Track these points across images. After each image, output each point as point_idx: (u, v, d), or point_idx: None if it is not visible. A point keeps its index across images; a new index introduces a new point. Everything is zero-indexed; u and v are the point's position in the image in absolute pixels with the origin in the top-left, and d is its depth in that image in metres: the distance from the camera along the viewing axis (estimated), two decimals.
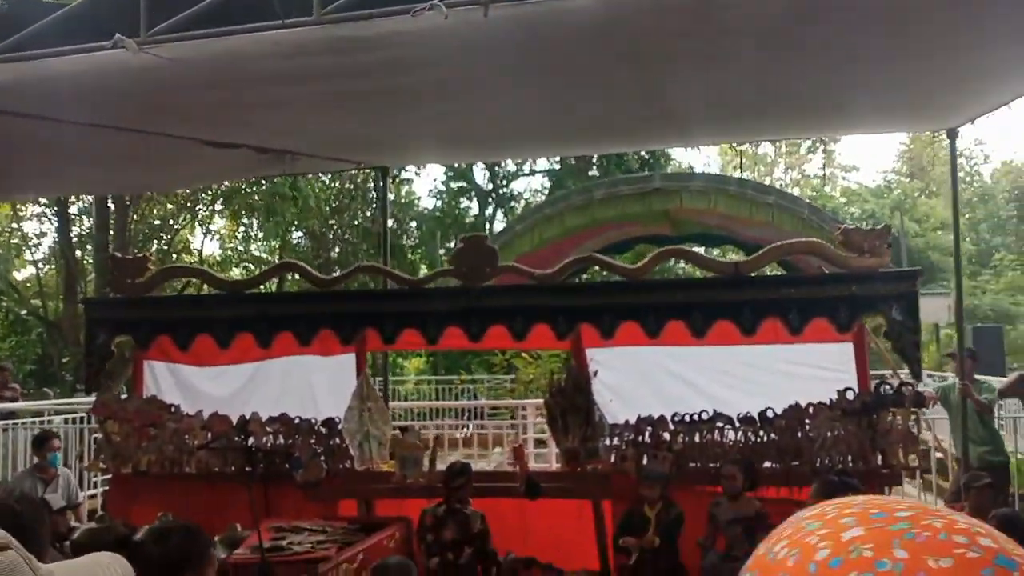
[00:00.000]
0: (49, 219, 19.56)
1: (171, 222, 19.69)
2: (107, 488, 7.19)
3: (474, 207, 23.83)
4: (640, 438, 6.01)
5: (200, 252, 20.80)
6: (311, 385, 7.04)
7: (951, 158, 6.51)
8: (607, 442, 6.11)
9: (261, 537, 4.39)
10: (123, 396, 6.91)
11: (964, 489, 5.91)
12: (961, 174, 34.69)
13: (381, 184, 8.34)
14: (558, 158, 23.11)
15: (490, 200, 23.19)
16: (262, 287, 7.70)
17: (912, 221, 28.29)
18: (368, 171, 19.88)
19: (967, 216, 30.19)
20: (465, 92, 4.89)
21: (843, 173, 38.57)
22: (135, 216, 17.94)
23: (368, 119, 5.27)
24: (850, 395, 5.76)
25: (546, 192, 22.52)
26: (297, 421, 6.39)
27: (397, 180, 20.76)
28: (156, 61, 3.66)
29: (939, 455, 8.25)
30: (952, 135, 6.39)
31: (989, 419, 6.83)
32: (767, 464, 5.79)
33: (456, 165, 22.00)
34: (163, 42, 3.57)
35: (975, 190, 32.33)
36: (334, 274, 6.88)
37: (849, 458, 5.65)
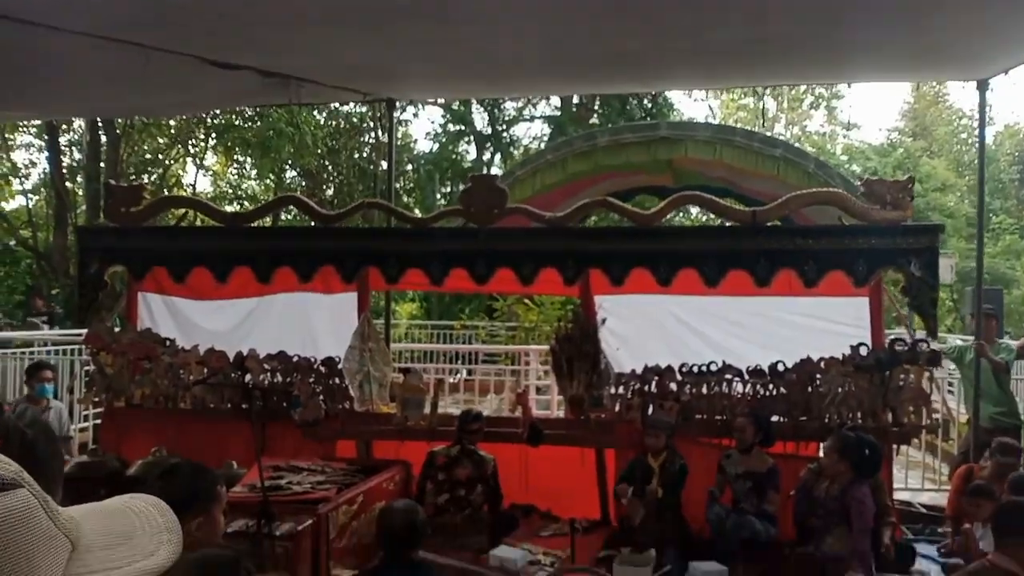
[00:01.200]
0: (39, 149, 19.11)
1: (163, 156, 19.28)
2: (99, 422, 7.06)
3: (472, 151, 23.43)
4: (646, 387, 5.90)
5: (193, 188, 20.42)
6: (311, 323, 6.89)
7: (980, 111, 6.28)
8: (612, 391, 5.99)
9: (262, 474, 4.26)
10: (116, 329, 6.73)
11: (989, 454, 5.83)
12: (964, 135, 34.38)
13: (386, 118, 8.00)
14: (558, 104, 22.70)
15: (489, 144, 22.77)
16: (260, 222, 7.45)
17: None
18: (365, 110, 19.52)
19: (970, 178, 29.95)
20: (475, 13, 4.61)
21: (844, 131, 38.14)
22: (127, 148, 17.53)
23: (375, 43, 4.99)
24: (863, 350, 5.64)
25: (546, 139, 22.12)
26: (296, 359, 6.24)
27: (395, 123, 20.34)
28: None
29: (943, 417, 8.20)
30: (982, 86, 6.15)
31: (1005, 380, 6.74)
32: (775, 418, 5.69)
33: (456, 106, 21.60)
34: None
35: (976, 153, 32.08)
36: (335, 211, 6.62)
37: (859, 415, 5.56)
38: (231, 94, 6.48)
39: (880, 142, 35.35)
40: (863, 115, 48.09)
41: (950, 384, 9.06)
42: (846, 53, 5.74)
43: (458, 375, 11.89)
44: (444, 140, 23.08)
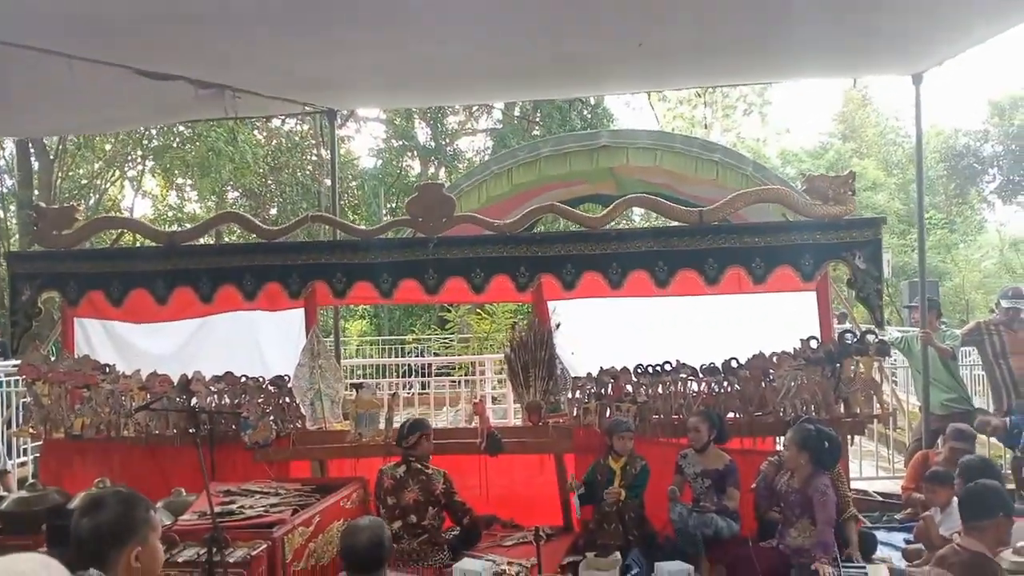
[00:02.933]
0: None
1: (98, 180, 18.72)
2: (38, 455, 6.76)
3: (416, 166, 23.31)
4: (603, 391, 5.87)
5: (131, 212, 19.86)
6: (258, 342, 6.71)
7: (916, 105, 6.43)
8: (569, 395, 5.95)
9: (211, 500, 4.09)
10: (52, 357, 6.46)
11: (943, 440, 5.95)
12: (892, 135, 35.51)
13: (328, 130, 7.87)
14: (500, 117, 22.77)
15: (433, 158, 22.69)
16: (201, 240, 7.25)
17: None
18: (307, 127, 19.28)
19: (899, 176, 30.91)
20: (418, 18, 4.55)
21: (777, 135, 39.03)
22: (60, 173, 16.97)
23: (313, 48, 4.87)
24: (813, 344, 5.71)
25: (489, 151, 22.13)
26: (244, 380, 6.06)
27: (337, 139, 20.13)
28: None
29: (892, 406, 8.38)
30: (917, 79, 6.32)
31: (953, 366, 6.90)
32: (730, 414, 5.72)
33: (398, 121, 21.49)
34: None
35: (905, 152, 33.10)
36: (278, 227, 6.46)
37: (812, 407, 5.60)
38: (164, 108, 6.27)
39: (812, 146, 36.31)
40: (795, 120, 49.34)
41: (894, 374, 9.28)
42: (784, 51, 5.85)
43: (411, 389, 11.75)
44: (388, 155, 22.93)
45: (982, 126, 27.35)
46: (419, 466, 5.36)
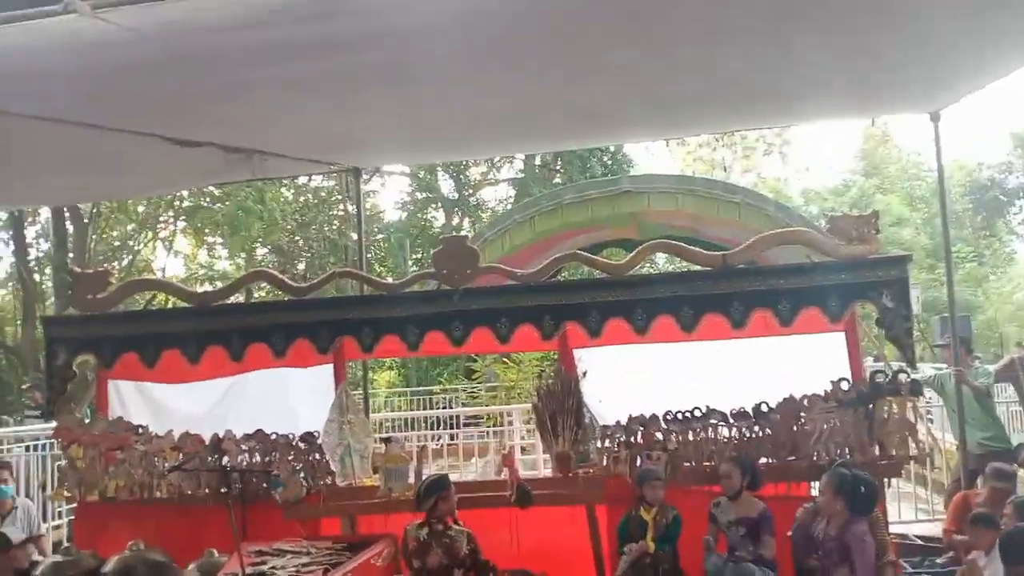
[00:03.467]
0: (4, 242, 18.91)
1: (131, 242, 19.14)
2: (72, 518, 6.81)
3: (440, 217, 23.58)
4: (632, 439, 5.82)
5: (163, 272, 20.24)
6: (289, 399, 6.75)
7: (936, 141, 6.44)
8: (599, 444, 5.91)
9: (243, 562, 4.10)
10: (87, 420, 6.54)
11: (983, 480, 5.82)
12: (914, 171, 35.35)
13: (354, 188, 8.04)
14: (522, 167, 23.02)
15: (456, 209, 22.95)
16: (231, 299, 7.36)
17: None
18: (333, 183, 19.63)
19: (924, 211, 30.68)
20: (437, 75, 4.66)
21: (798, 174, 39.03)
22: (94, 236, 17.39)
23: (337, 110, 5.00)
24: (844, 385, 5.64)
25: (511, 200, 22.35)
26: (274, 437, 6.10)
27: (362, 193, 20.46)
28: (110, 30, 3.31)
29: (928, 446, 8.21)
30: (935, 118, 6.33)
31: (989, 404, 6.77)
32: (763, 459, 5.64)
33: (422, 174, 21.81)
34: (118, 4, 3.21)
35: (928, 186, 32.92)
36: (306, 283, 6.56)
37: (846, 450, 5.52)
38: (194, 173, 6.44)
39: (835, 183, 36.24)
40: (816, 158, 49.29)
41: (929, 412, 9.10)
42: (798, 95, 5.89)
43: (440, 440, 11.71)
44: (412, 208, 23.25)
45: (1006, 158, 27.15)
46: (441, 527, 5.26)
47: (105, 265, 7.90)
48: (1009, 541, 3.35)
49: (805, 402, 5.65)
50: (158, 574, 2.26)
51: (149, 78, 4.08)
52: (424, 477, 5.80)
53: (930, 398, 8.30)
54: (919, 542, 6.52)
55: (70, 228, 16.76)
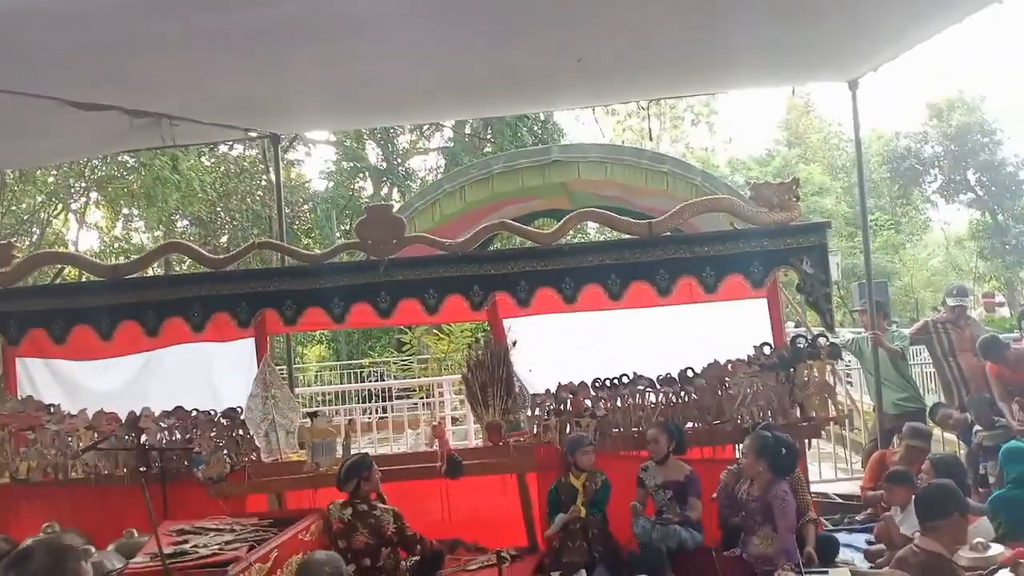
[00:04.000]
0: None
1: (41, 214, 18.25)
2: None
3: (369, 187, 23.17)
4: (562, 406, 5.85)
5: (76, 246, 19.39)
6: (210, 374, 6.55)
7: (853, 111, 6.56)
8: (529, 413, 5.92)
9: (160, 542, 3.96)
10: None
11: (899, 439, 6.04)
12: (835, 141, 36.36)
13: (272, 154, 7.78)
14: (451, 136, 22.77)
15: (385, 179, 22.57)
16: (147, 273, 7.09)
17: None
18: (255, 152, 19.05)
19: (844, 180, 31.63)
20: (360, 33, 4.48)
21: (725, 144, 39.76)
22: (1, 208, 16.51)
23: (252, 70, 4.77)
24: (767, 350, 5.76)
25: (441, 170, 22.10)
26: (194, 414, 5.92)
27: (286, 162, 19.92)
28: None
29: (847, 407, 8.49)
30: (853, 86, 6.45)
31: (904, 366, 7.00)
32: (689, 424, 5.73)
33: (348, 143, 21.36)
34: None
35: (849, 156, 33.88)
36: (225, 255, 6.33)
37: (769, 413, 5.65)
38: (99, 139, 6.12)
39: (759, 153, 37.03)
40: (742, 129, 50.37)
41: (848, 375, 9.41)
42: (721, 63, 5.93)
43: (371, 415, 11.59)
44: (339, 177, 22.78)
45: (921, 128, 28.11)
46: (365, 507, 5.13)
47: (10, 239, 7.47)
48: (924, 498, 3.47)
49: (729, 367, 5.76)
50: (56, 557, 2.14)
51: (45, 32, 3.80)
52: (349, 454, 5.71)
53: (849, 361, 8.57)
54: (839, 500, 6.74)
55: None
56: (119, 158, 16.19)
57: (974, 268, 28.52)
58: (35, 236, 17.91)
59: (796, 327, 8.56)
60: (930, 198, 29.70)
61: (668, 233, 6.00)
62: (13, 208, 17.53)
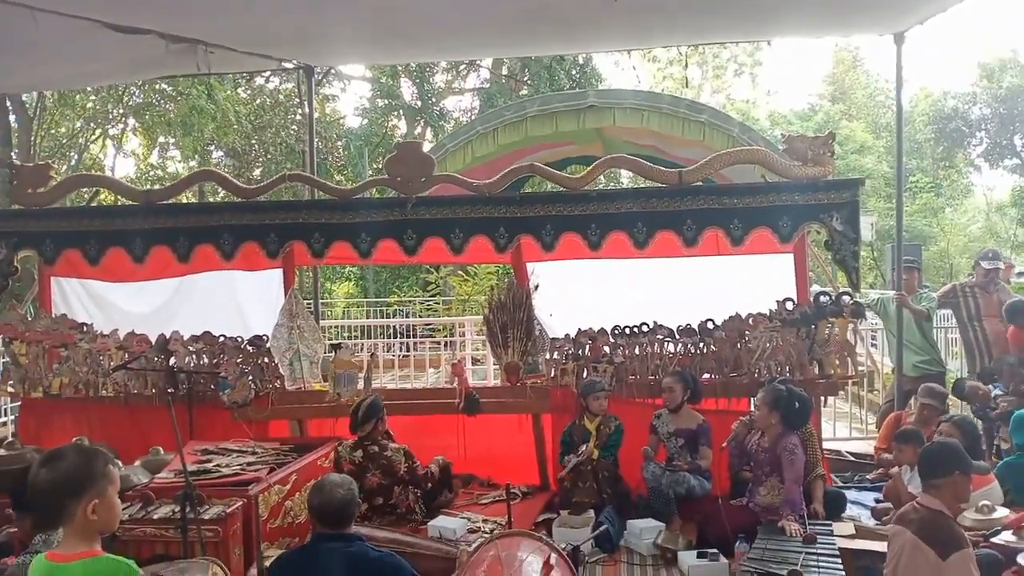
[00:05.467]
0: None
1: (80, 139, 18.44)
2: (17, 415, 6.77)
3: (402, 126, 23.06)
4: (580, 352, 5.92)
5: (112, 171, 19.62)
6: (238, 302, 6.69)
7: (896, 64, 6.40)
8: (547, 356, 5.99)
9: (184, 459, 4.12)
10: (29, 316, 6.43)
11: (915, 400, 6.03)
12: (880, 98, 35.36)
13: (305, 86, 7.75)
14: (487, 76, 22.50)
15: (419, 118, 22.44)
16: (180, 200, 7.20)
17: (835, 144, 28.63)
18: (291, 85, 19.00)
19: (887, 139, 30.84)
20: None
21: (767, 97, 38.86)
22: (40, 131, 16.70)
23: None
24: (789, 305, 5.74)
25: (476, 111, 21.90)
26: (222, 339, 6.07)
27: (321, 97, 19.87)
28: None
29: (867, 368, 8.46)
30: (899, 39, 6.28)
31: (927, 328, 6.94)
32: (706, 375, 5.77)
33: (383, 79, 21.21)
34: None
35: (894, 114, 33.04)
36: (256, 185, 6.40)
37: (787, 368, 5.66)
38: (136, 63, 6.14)
39: (801, 108, 36.16)
40: (786, 82, 49.11)
41: (873, 336, 9.36)
42: (767, 8, 5.78)
43: (394, 351, 11.77)
44: (373, 115, 22.67)
45: (971, 88, 27.21)
46: (376, 448, 5.23)
47: (47, 160, 7.60)
48: (927, 455, 3.48)
49: (750, 321, 5.76)
50: (87, 457, 2.25)
51: None
52: (371, 387, 5.83)
53: (874, 322, 8.52)
54: (851, 458, 6.79)
55: (14, 123, 16.08)
56: (156, 86, 16.25)
57: (1013, 236, 27.85)
58: (73, 160, 18.13)
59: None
60: (974, 162, 28.91)
61: (698, 183, 5.95)
62: (52, 131, 17.72)
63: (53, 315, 6.33)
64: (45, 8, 4.44)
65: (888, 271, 13.65)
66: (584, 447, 5.32)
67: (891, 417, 6.44)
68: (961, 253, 27.89)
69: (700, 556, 4.51)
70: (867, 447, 7.05)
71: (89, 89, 15.81)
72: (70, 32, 4.83)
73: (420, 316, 15.15)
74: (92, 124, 18.09)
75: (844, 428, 8.22)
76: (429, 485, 5.39)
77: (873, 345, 9.41)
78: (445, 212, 5.98)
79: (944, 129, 27.00)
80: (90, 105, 17.41)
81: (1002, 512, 4.35)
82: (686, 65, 23.20)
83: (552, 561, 3.08)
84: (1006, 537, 4.01)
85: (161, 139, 19.32)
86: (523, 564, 3.06)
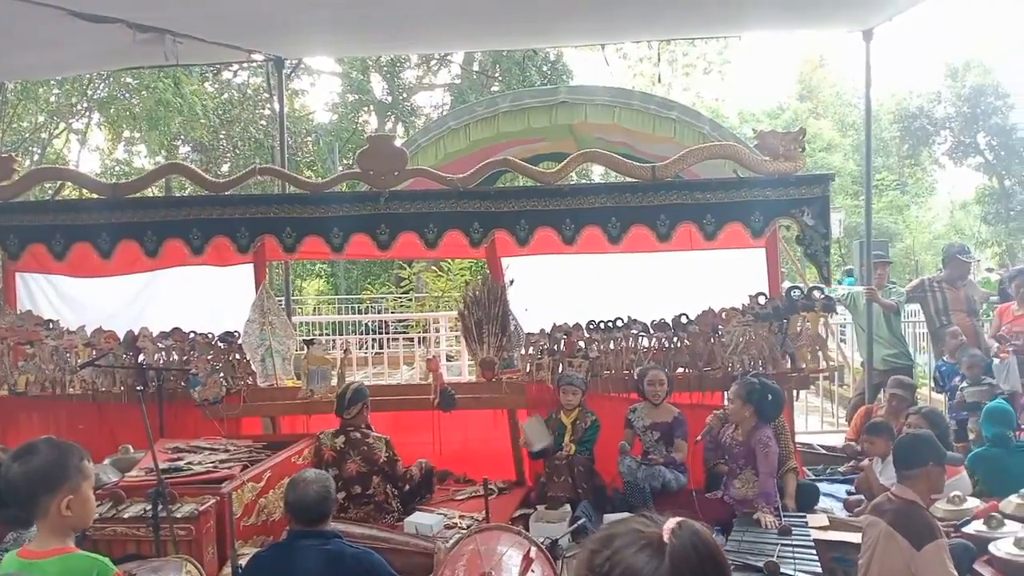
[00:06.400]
0: None
1: (43, 133, 18.06)
2: None
3: (373, 121, 22.89)
4: (555, 347, 5.92)
5: (77, 166, 19.24)
6: (209, 298, 6.58)
7: (865, 62, 6.48)
8: (522, 351, 5.98)
9: (156, 457, 4.04)
10: None
11: (884, 392, 6.11)
12: (848, 96, 35.82)
13: (275, 79, 7.66)
14: (459, 72, 22.43)
15: (389, 114, 22.29)
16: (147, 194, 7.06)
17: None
18: (259, 80, 18.79)
19: (854, 137, 31.25)
20: None
21: (735, 96, 39.20)
22: (2, 125, 16.33)
23: None
24: (762, 300, 5.79)
25: (447, 107, 21.80)
26: (192, 335, 5.97)
27: (290, 91, 19.66)
28: None
29: (838, 362, 8.56)
30: (867, 37, 6.35)
31: (896, 322, 7.04)
32: (680, 370, 5.80)
33: (353, 75, 21.04)
34: None
35: (860, 113, 33.46)
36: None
37: (760, 362, 5.71)
38: (103, 53, 6.01)
39: (770, 106, 36.52)
40: (755, 80, 49.62)
41: (842, 330, 9.48)
42: (737, 4, 5.80)
43: (367, 349, 11.68)
44: (343, 110, 22.48)
45: (936, 88, 27.67)
46: (358, 435, 5.26)
47: (10, 153, 7.44)
48: (901, 447, 3.53)
49: (723, 315, 5.80)
50: (61, 452, 2.20)
51: None
52: (344, 382, 5.79)
53: (844, 317, 8.62)
54: (823, 451, 6.86)
55: None
56: (121, 79, 15.96)
57: (977, 233, 28.39)
58: (36, 156, 17.75)
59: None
60: (938, 160, 29.39)
61: (671, 178, 5.98)
62: (14, 126, 17.34)
63: (18, 311, 6.19)
64: None
65: (857, 267, 13.84)
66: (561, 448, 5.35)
67: (862, 410, 6.53)
68: (926, 250, 28.36)
69: None
70: (838, 440, 7.14)
71: (52, 82, 15.51)
72: (35, 20, 4.71)
73: (393, 312, 15.06)
74: (55, 118, 17.73)
75: (816, 422, 8.32)
76: (406, 487, 5.36)
77: (842, 340, 9.53)
78: (419, 206, 5.94)
79: (909, 127, 27.43)
80: (53, 99, 17.08)
81: (973, 503, 4.43)
82: (659, 60, 23.24)
83: (532, 555, 3.07)
84: (977, 527, 4.08)
85: (126, 133, 19.01)
86: (503, 558, 3.04)
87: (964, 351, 6.15)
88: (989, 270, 17.47)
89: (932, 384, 6.65)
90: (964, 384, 5.95)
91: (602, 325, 5.92)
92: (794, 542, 4.21)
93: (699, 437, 5.17)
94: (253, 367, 5.99)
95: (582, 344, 5.90)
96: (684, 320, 5.84)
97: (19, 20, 4.68)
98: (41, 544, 2.14)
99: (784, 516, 4.57)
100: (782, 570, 3.81)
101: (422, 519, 4.92)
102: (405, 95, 22.49)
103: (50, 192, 7.11)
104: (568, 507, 5.06)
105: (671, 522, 1.16)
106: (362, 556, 3.32)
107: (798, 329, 5.73)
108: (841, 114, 34.18)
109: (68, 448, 2.22)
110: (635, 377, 5.60)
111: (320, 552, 3.27)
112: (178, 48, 5.57)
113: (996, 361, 6.04)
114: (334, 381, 5.91)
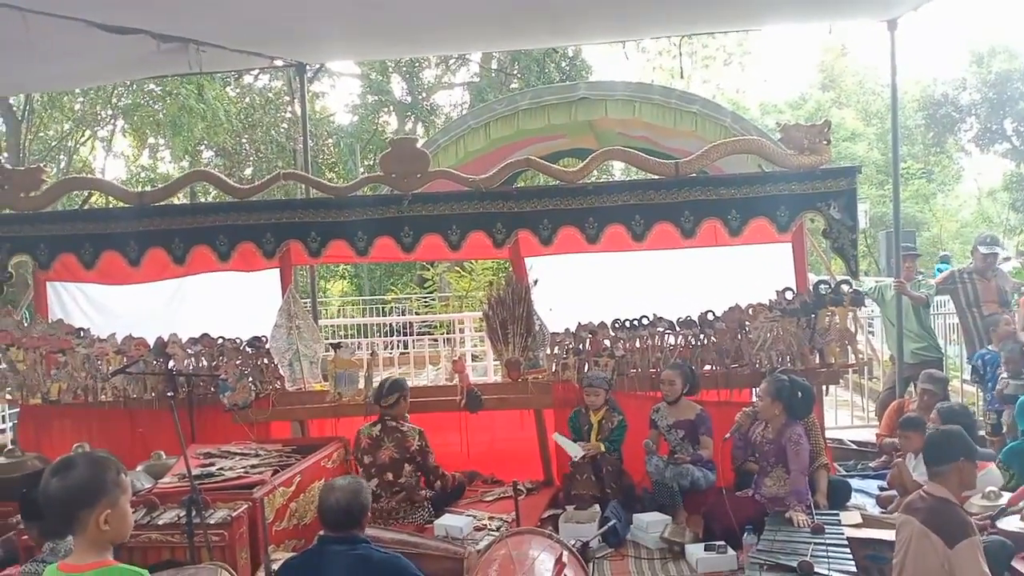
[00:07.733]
0: None
1: (69, 141, 18.31)
2: (16, 422, 6.73)
3: (393, 122, 22.97)
4: (581, 346, 5.90)
5: (103, 173, 19.50)
6: (236, 303, 6.64)
7: (891, 52, 6.39)
8: (548, 351, 5.97)
9: (188, 463, 4.09)
10: (25, 322, 6.38)
11: (915, 386, 6.03)
12: (871, 85, 35.37)
13: (298, 84, 7.70)
14: (477, 71, 22.43)
15: (409, 114, 22.35)
16: (173, 201, 7.14)
17: None
18: (280, 83, 18.92)
19: (878, 126, 30.86)
20: None
21: (755, 87, 38.85)
22: (29, 135, 16.57)
23: None
24: (789, 295, 5.73)
25: (467, 106, 21.81)
26: (221, 341, 6.03)
27: (311, 94, 19.76)
28: None
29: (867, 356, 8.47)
30: (892, 26, 6.26)
31: (925, 315, 6.94)
32: (707, 367, 5.76)
33: (373, 76, 21.13)
34: None
35: (884, 101, 33.01)
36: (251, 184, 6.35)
37: (788, 358, 5.66)
38: (127, 63, 6.07)
39: (792, 97, 36.14)
40: (776, 71, 49.06)
41: (871, 324, 9.37)
42: None
43: (392, 349, 11.73)
44: (363, 111, 22.57)
45: (961, 74, 27.25)
46: (394, 423, 5.41)
47: (39, 164, 7.53)
48: (931, 443, 3.48)
49: (750, 311, 5.75)
50: (99, 467, 2.22)
51: None
52: (373, 382, 5.82)
53: (872, 310, 8.53)
54: (853, 447, 6.80)
55: (2, 126, 15.96)
56: (145, 87, 16.15)
57: (1005, 220, 27.93)
58: (62, 163, 18.01)
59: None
60: (964, 147, 28.95)
61: (695, 174, 5.93)
62: (41, 134, 17.60)
63: (49, 320, 6.28)
64: (35, 9, 4.39)
65: (882, 259, 13.65)
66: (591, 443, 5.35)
67: (893, 405, 6.45)
68: (953, 239, 27.99)
69: (708, 548, 4.51)
70: (869, 435, 7.07)
71: (77, 91, 15.70)
72: (60, 32, 4.77)
73: (417, 313, 15.10)
74: (81, 126, 17.97)
75: (845, 416, 8.24)
76: (437, 482, 5.41)
77: (870, 333, 9.42)
78: (442, 208, 5.94)
79: (934, 115, 27.04)
80: (78, 107, 17.30)
81: (1007, 497, 4.36)
82: (679, 54, 23.08)
83: (564, 559, 3.06)
84: (1015, 523, 4.01)
85: (151, 140, 19.22)
86: (535, 562, 3.04)
87: (1007, 343, 6.05)
88: (1006, 259, 17.15)
89: (970, 375, 6.53)
90: (1006, 375, 5.85)
91: (628, 323, 5.89)
92: (828, 541, 4.16)
93: (728, 435, 5.13)
94: (281, 371, 6.04)
95: (607, 343, 5.87)
96: (710, 317, 5.80)
97: (45, 33, 4.74)
98: (80, 558, 2.16)
99: (816, 514, 4.52)
100: (816, 569, 3.77)
101: (451, 521, 4.94)
102: (424, 95, 22.54)
103: (78, 201, 7.20)
104: (597, 507, 5.05)
105: None
106: (389, 561, 3.33)
107: (826, 324, 5.66)
108: (864, 103, 33.73)
109: (105, 462, 2.24)
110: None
111: (348, 557, 3.29)
112: (201, 56, 5.63)
113: None
114: (361, 384, 5.94)
